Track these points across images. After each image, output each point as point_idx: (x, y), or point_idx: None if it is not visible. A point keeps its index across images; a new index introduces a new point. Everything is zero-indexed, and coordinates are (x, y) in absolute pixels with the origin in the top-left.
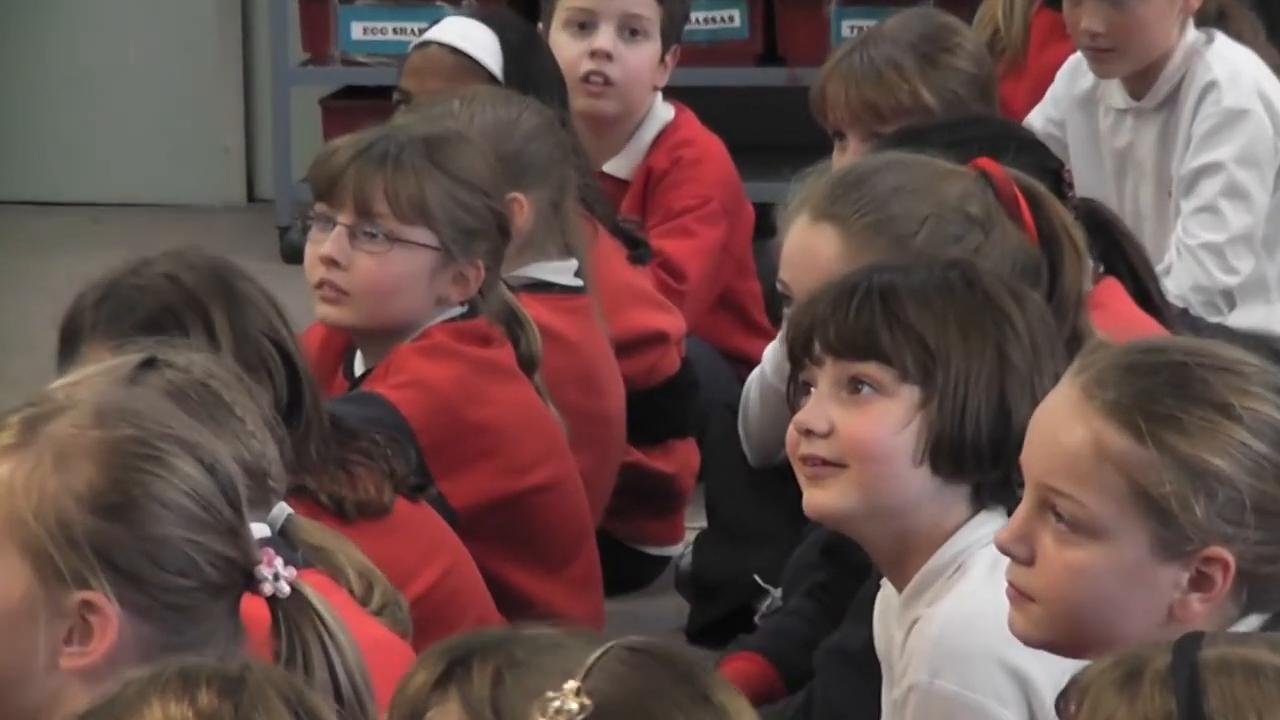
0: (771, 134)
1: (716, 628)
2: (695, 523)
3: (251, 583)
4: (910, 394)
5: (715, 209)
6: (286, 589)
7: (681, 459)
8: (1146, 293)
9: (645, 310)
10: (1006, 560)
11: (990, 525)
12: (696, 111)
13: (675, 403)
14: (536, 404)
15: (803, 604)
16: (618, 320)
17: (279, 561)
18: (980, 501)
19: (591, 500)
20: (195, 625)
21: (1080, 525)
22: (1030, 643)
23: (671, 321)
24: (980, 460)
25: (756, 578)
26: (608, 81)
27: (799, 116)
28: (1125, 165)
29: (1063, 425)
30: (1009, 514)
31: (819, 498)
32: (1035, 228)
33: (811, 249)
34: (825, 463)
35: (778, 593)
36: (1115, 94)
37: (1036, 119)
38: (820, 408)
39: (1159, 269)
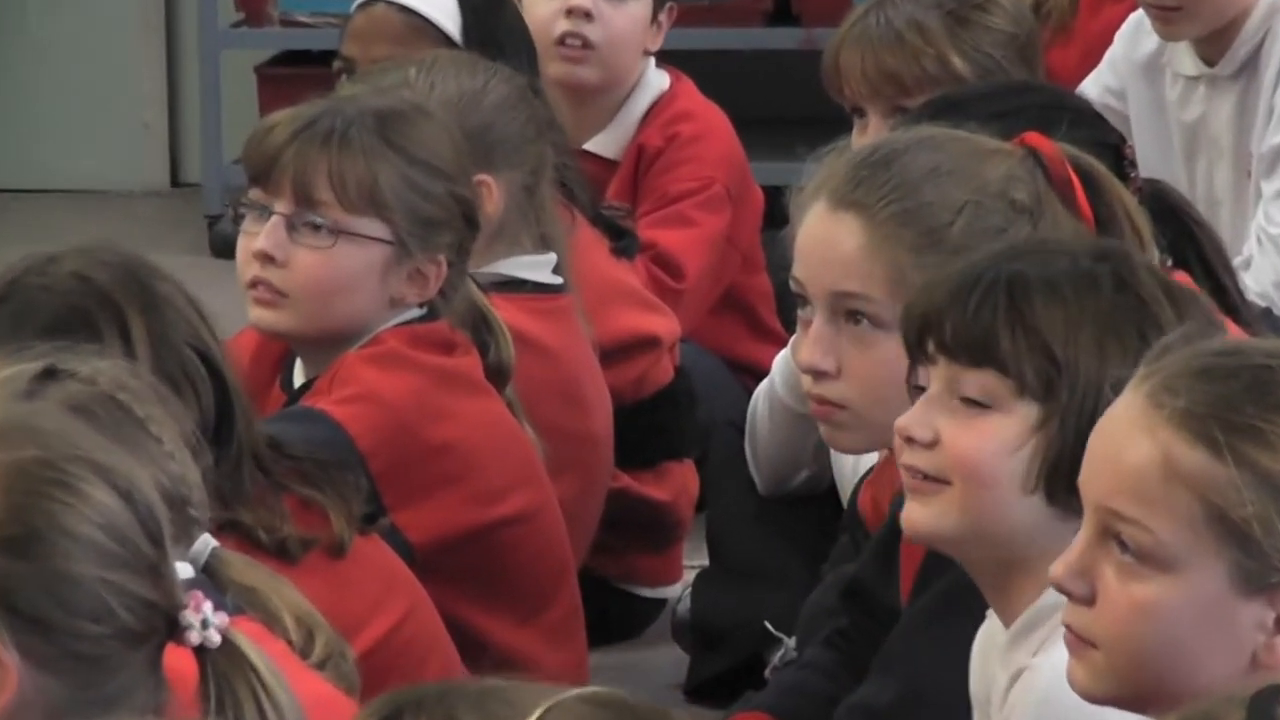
0: (784, 106)
1: (720, 683)
2: (695, 560)
3: (176, 630)
4: (1028, 411)
5: (718, 193)
6: (217, 638)
7: (678, 485)
8: (1222, 289)
9: (634, 311)
10: None
11: None
12: (696, 79)
13: (670, 419)
14: (508, 421)
15: (820, 655)
16: (603, 323)
17: (208, 606)
18: None
19: (573, 533)
20: (109, 679)
21: (1147, 555)
22: (1093, 698)
23: (665, 324)
24: None
25: (767, 624)
26: (587, 44)
27: (815, 85)
28: (1197, 141)
29: (1126, 439)
30: None
31: (915, 514)
32: (1092, 214)
33: (830, 241)
34: (927, 477)
35: (792, 642)
36: (1184, 59)
37: (1091, 88)
38: (926, 414)
39: (1237, 262)
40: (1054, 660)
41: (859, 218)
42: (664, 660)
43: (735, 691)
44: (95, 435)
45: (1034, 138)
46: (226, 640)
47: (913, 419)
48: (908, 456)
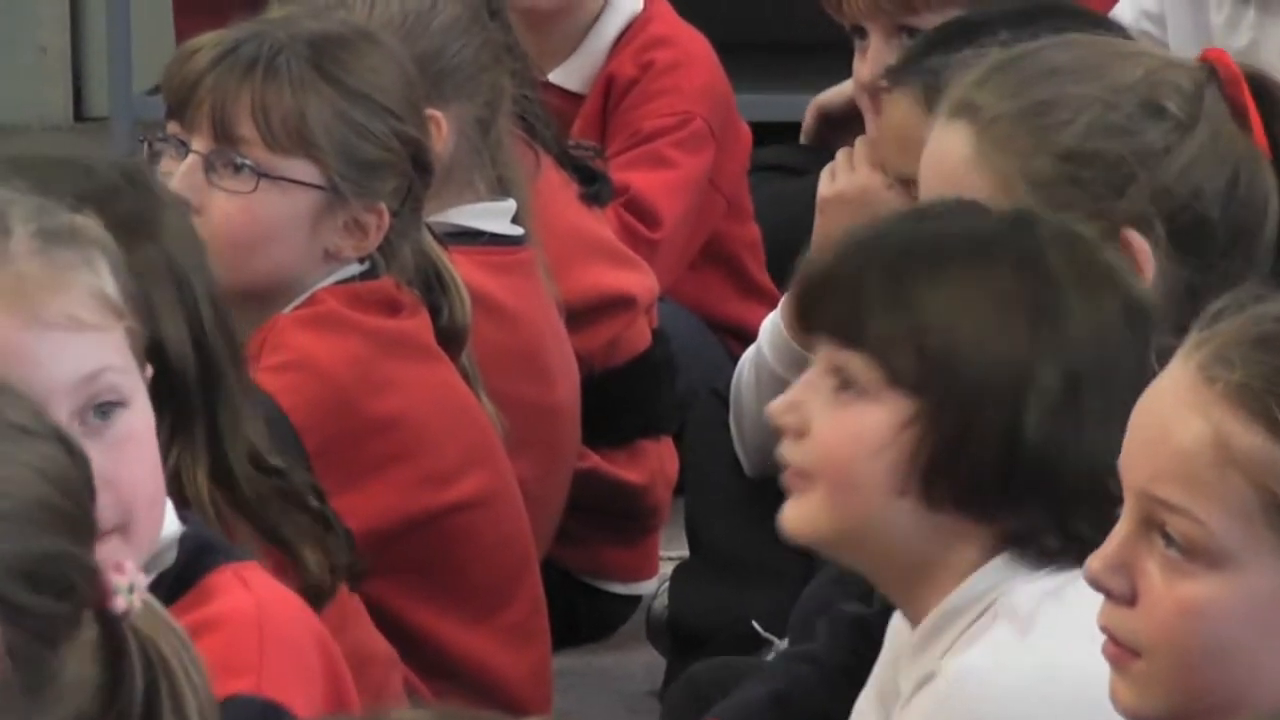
0: (775, 30)
1: None
2: (673, 551)
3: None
4: (900, 404)
5: (698, 129)
6: (139, 604)
7: (654, 465)
8: None
9: (606, 266)
10: (1056, 612)
11: (1017, 571)
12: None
13: (646, 389)
14: (461, 391)
15: (797, 667)
16: (569, 280)
17: (130, 566)
18: (1007, 538)
19: (535, 520)
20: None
21: (1196, 550)
22: (1140, 717)
23: (641, 281)
24: (981, 499)
25: (755, 624)
26: None
27: (811, 5)
28: None
29: (1173, 417)
30: (1045, 555)
31: (788, 512)
32: (1270, 146)
33: (940, 154)
34: (799, 472)
35: (783, 644)
36: None
37: (1126, 12)
38: (798, 398)
39: None
40: (961, 664)
41: (970, 124)
42: (637, 664)
43: None
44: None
45: (1215, 53)
46: (147, 606)
47: (781, 403)
48: (782, 446)
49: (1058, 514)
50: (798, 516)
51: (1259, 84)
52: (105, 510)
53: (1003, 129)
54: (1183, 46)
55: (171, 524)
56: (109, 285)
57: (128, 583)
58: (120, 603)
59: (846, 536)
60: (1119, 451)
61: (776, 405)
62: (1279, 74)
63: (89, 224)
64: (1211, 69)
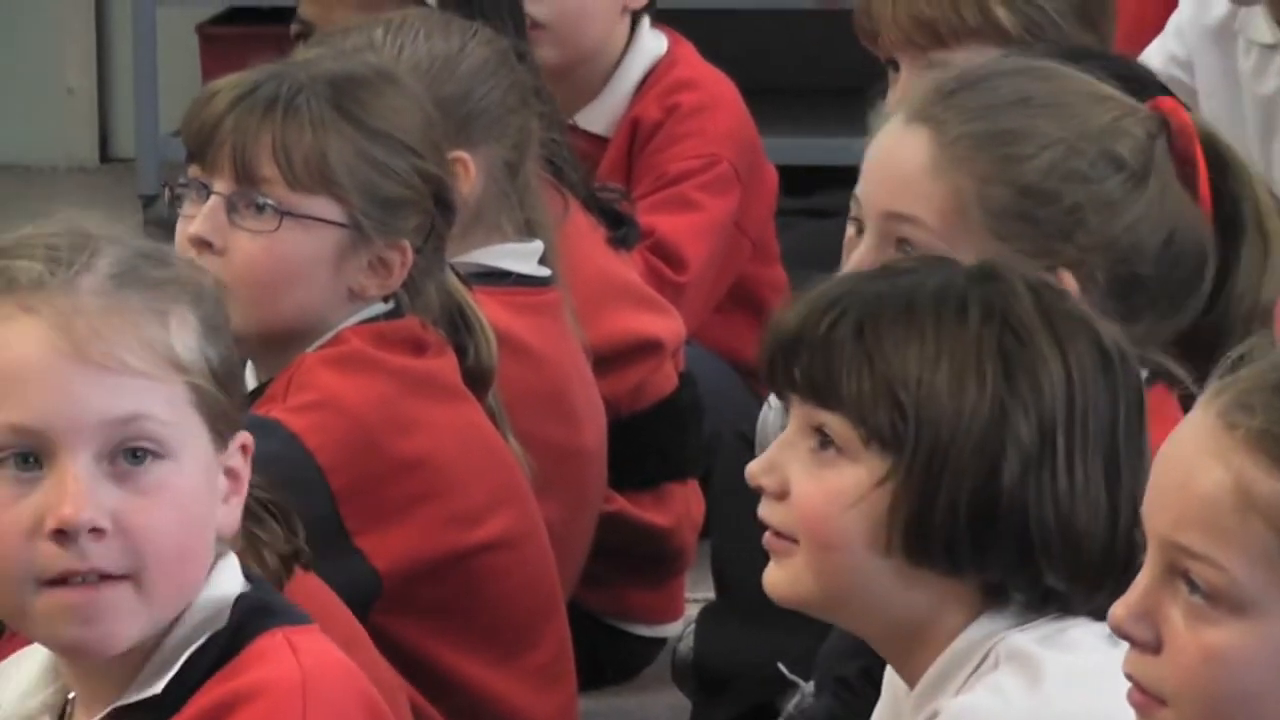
0: (800, 73)
1: None
2: (698, 593)
3: None
4: (876, 462)
5: (724, 172)
6: None
7: (680, 508)
8: None
9: (633, 310)
10: (1059, 657)
11: (1009, 624)
12: (698, 43)
13: (672, 433)
14: (488, 431)
15: (828, 706)
16: (596, 323)
17: None
18: (995, 591)
19: (561, 562)
20: None
21: (1220, 596)
22: None
23: (668, 326)
24: (957, 553)
25: (781, 666)
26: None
27: (836, 50)
28: (1274, 119)
29: (1195, 464)
30: (1030, 608)
31: (771, 575)
32: (1213, 202)
33: (893, 155)
34: (779, 534)
35: (809, 687)
36: (1260, 25)
37: (1154, 57)
38: (776, 459)
39: None
40: (960, 700)
41: (931, 133)
42: (662, 707)
43: None
44: None
45: (1168, 103)
46: None
47: (760, 464)
48: (761, 508)
49: (1033, 566)
50: (781, 579)
51: (1209, 138)
52: (114, 554)
53: (964, 149)
54: (1211, 93)
55: (227, 584)
56: (179, 340)
57: None
58: None
59: (832, 598)
60: (1093, 499)
61: (755, 466)
62: None
63: (194, 280)
64: (1164, 119)
